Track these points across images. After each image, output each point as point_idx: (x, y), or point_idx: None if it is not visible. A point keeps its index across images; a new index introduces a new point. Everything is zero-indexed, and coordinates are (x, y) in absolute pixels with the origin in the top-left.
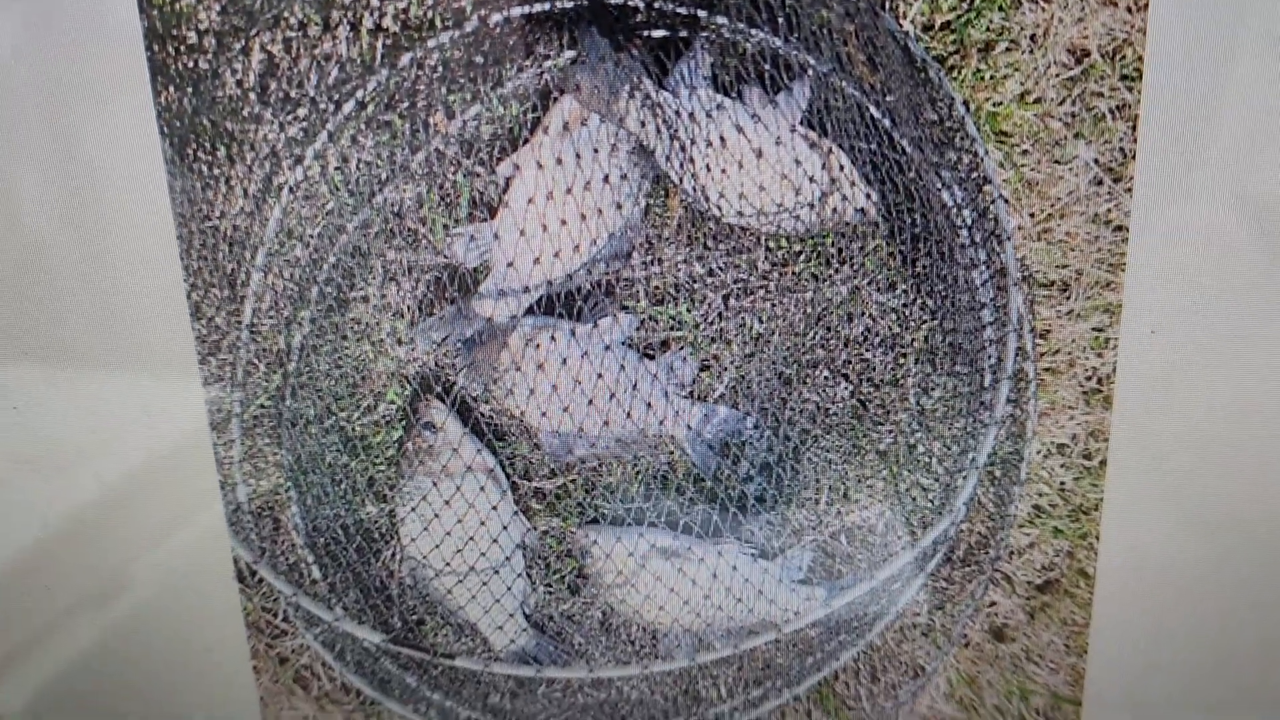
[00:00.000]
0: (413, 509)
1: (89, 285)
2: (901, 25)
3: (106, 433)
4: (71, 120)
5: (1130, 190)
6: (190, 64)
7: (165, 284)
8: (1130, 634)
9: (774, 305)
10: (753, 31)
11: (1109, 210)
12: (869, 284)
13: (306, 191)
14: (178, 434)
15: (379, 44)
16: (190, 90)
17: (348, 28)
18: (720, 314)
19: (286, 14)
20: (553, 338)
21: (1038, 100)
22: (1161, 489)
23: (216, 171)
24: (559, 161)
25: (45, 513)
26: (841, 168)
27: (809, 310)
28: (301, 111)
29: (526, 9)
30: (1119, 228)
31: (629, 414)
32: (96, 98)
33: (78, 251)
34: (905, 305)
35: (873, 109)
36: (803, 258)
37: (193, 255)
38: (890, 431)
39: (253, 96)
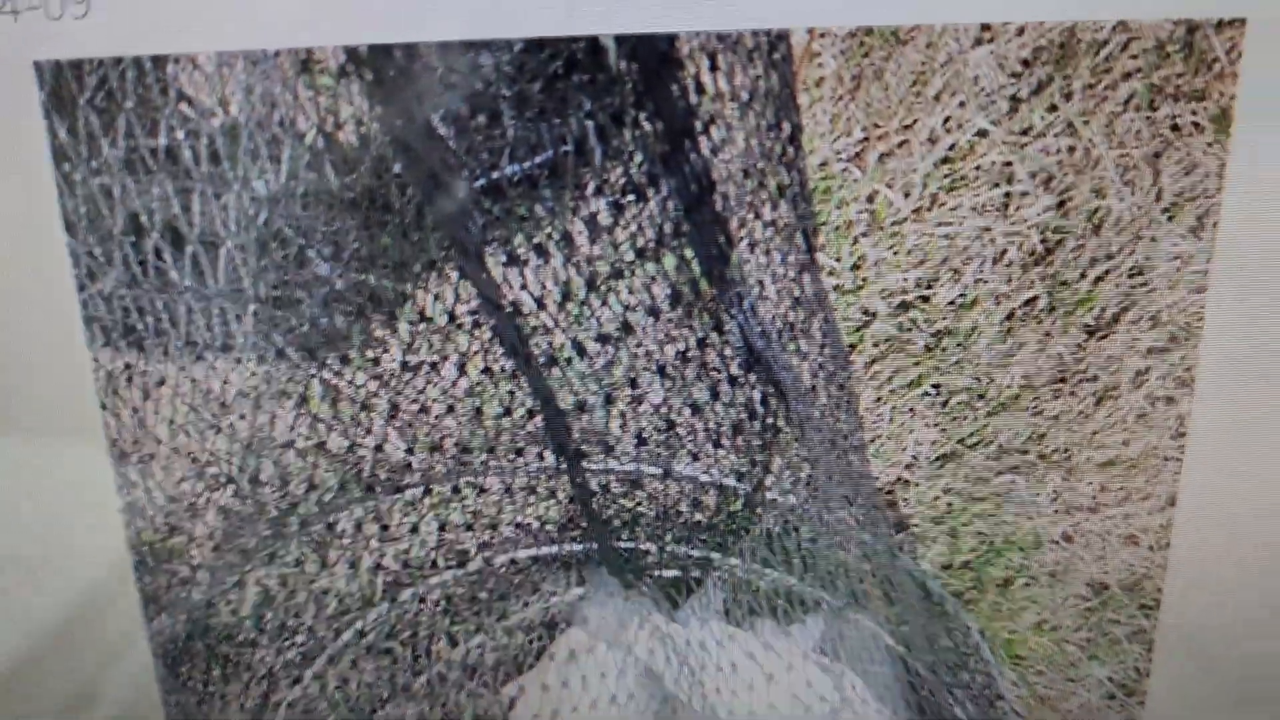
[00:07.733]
0: None
1: None
2: (919, 564)
3: None
4: None
5: (1143, 704)
6: (184, 595)
7: None
8: None
9: None
10: (767, 571)
11: None
12: None
13: (305, 707)
14: None
15: (379, 580)
16: (184, 618)
17: (346, 565)
18: None
19: (282, 552)
20: None
21: (1054, 629)
22: None
23: (212, 689)
24: (564, 685)
25: None
26: (854, 688)
27: None
28: (299, 639)
29: (533, 551)
30: None
31: None
32: None
33: None
34: None
35: (887, 638)
36: None
37: None
38: None
39: (248, 624)
